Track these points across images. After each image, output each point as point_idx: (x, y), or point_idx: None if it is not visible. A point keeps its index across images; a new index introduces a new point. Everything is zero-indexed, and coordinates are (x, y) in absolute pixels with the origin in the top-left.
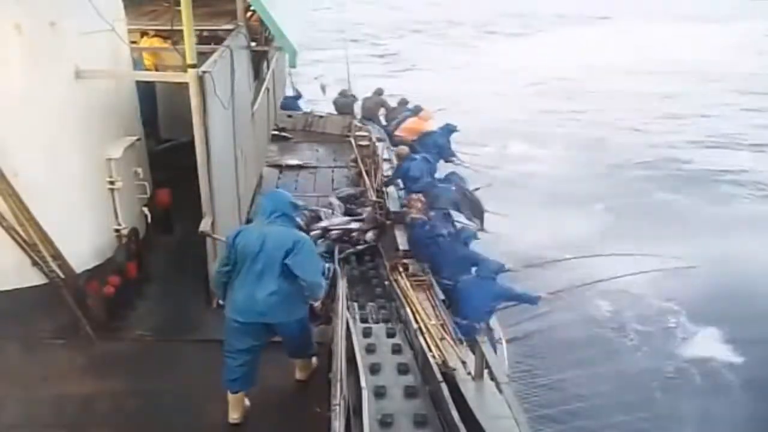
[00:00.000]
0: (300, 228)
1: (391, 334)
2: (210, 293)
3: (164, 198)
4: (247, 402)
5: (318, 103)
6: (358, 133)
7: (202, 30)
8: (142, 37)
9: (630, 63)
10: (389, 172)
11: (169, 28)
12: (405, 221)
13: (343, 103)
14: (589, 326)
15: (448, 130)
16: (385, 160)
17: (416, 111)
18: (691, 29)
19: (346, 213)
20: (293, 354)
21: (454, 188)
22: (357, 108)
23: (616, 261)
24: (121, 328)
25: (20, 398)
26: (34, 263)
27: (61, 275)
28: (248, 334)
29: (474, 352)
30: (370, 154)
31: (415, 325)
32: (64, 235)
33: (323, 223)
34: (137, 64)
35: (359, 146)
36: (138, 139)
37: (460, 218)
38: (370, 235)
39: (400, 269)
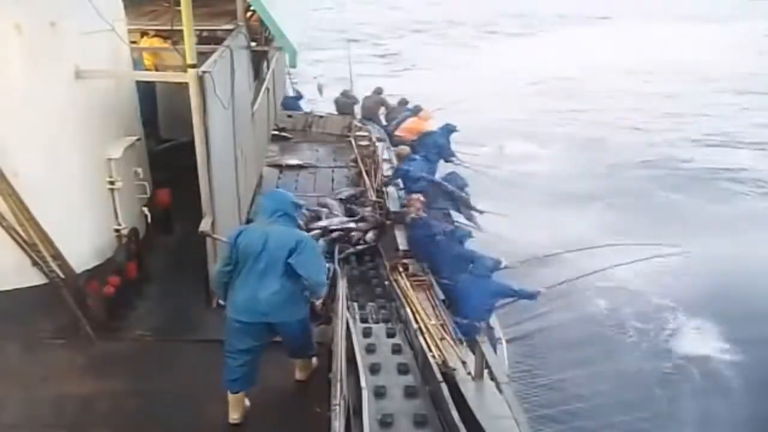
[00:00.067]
0: (300, 227)
1: (391, 334)
2: (210, 293)
3: (164, 198)
4: (247, 402)
5: (317, 103)
6: (358, 133)
7: (202, 30)
8: (142, 37)
9: (630, 63)
10: (389, 172)
11: (169, 28)
12: (405, 221)
13: (344, 104)
14: (589, 325)
15: (448, 130)
16: (385, 160)
17: (416, 111)
18: (691, 29)
19: (347, 213)
20: (294, 354)
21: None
22: (357, 109)
23: (612, 255)
24: (121, 328)
25: (20, 398)
26: (34, 263)
27: (61, 275)
28: (249, 335)
29: (474, 352)
30: (370, 154)
31: (415, 325)
32: (64, 235)
33: (323, 223)
34: (137, 64)
35: (359, 146)
36: (138, 139)
37: (459, 218)
38: (370, 235)
39: (400, 269)
